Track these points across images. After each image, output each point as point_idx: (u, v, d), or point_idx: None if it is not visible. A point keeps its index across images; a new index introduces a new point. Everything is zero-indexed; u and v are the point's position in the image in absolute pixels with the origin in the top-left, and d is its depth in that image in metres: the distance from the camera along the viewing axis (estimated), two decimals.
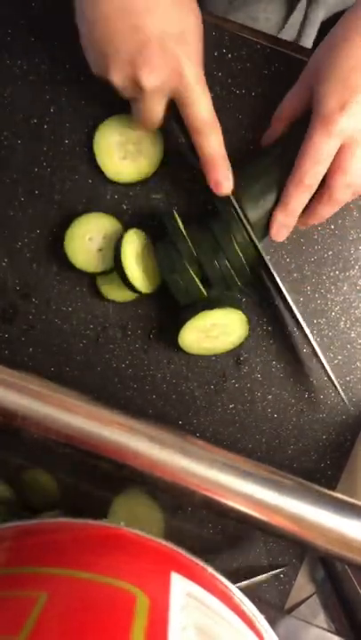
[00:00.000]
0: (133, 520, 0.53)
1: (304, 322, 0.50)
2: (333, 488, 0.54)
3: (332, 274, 0.53)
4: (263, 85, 0.51)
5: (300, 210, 0.45)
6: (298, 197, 0.44)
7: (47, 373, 0.54)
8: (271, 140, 0.48)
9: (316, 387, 0.54)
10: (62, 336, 0.54)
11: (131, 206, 0.53)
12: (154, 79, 0.42)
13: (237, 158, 0.49)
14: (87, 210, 0.52)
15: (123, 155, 0.51)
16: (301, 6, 0.68)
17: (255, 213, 0.46)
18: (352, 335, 0.54)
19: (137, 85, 0.42)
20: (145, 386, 0.54)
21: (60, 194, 0.53)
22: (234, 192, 0.46)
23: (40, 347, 0.54)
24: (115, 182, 0.52)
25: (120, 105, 0.51)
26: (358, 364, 0.54)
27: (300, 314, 0.51)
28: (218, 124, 0.45)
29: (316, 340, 0.53)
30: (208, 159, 0.45)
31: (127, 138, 0.51)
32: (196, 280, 0.47)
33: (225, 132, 0.48)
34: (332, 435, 0.54)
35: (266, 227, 0.47)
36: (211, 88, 0.51)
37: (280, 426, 0.54)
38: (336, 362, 0.54)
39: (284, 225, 0.46)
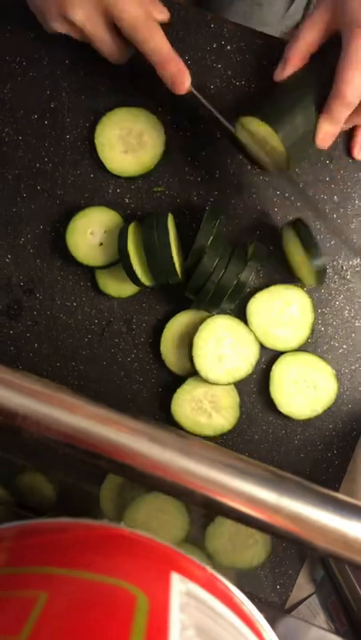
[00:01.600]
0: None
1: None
2: (341, 477, 0.54)
3: (335, 262, 0.53)
4: (263, 77, 0.51)
5: (344, 119, 0.44)
6: (340, 111, 0.43)
7: (53, 368, 0.54)
8: (286, 75, 0.45)
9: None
10: (67, 331, 0.54)
11: (133, 200, 0.53)
12: (80, 11, 0.42)
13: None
14: (90, 204, 0.52)
15: (124, 148, 0.51)
16: None
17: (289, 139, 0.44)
18: (356, 324, 0.54)
19: (73, 24, 0.43)
20: (151, 379, 0.54)
21: (63, 189, 0.53)
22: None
23: (45, 342, 0.54)
24: (116, 176, 0.52)
25: (121, 98, 0.51)
26: None
27: (315, 313, 0.52)
28: (155, 22, 0.44)
29: (320, 330, 0.53)
30: (157, 56, 0.44)
31: (128, 131, 0.51)
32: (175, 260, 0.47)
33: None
34: (339, 424, 0.54)
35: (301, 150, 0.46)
36: (210, 80, 0.51)
37: (285, 416, 0.53)
38: (341, 351, 0.54)
39: (329, 133, 0.45)
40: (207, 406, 0.52)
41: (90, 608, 0.21)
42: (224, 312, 0.51)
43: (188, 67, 0.45)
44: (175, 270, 0.47)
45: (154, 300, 0.53)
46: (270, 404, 0.53)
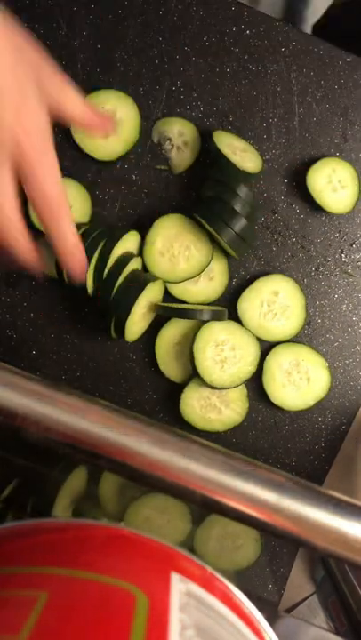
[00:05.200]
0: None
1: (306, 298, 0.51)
2: (326, 471, 0.54)
3: (337, 256, 0.53)
4: (279, 63, 0.52)
5: None
6: None
7: (47, 339, 0.54)
8: None
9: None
10: (65, 303, 0.54)
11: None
12: None
13: (249, 136, 0.50)
14: (97, 178, 0.52)
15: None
16: None
17: None
18: (353, 318, 0.54)
19: None
20: (146, 357, 0.54)
21: (69, 161, 0.52)
22: None
23: (42, 312, 0.54)
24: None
25: (136, 73, 0.51)
26: (358, 347, 0.54)
27: (304, 294, 0.52)
28: (66, 202, 0.39)
29: (317, 322, 0.54)
30: (64, 250, 0.40)
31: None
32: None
33: (239, 109, 0.48)
34: (328, 417, 0.54)
35: None
36: (227, 64, 0.52)
37: (276, 405, 0.53)
38: (336, 344, 0.54)
39: None
40: (215, 402, 0.52)
41: (90, 608, 0.21)
42: (217, 317, 0.51)
43: (207, 48, 0.47)
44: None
45: None
46: (261, 393, 0.53)
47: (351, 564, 0.32)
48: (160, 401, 0.54)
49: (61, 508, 0.49)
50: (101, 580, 0.24)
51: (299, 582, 0.55)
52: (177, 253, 0.50)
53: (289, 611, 0.54)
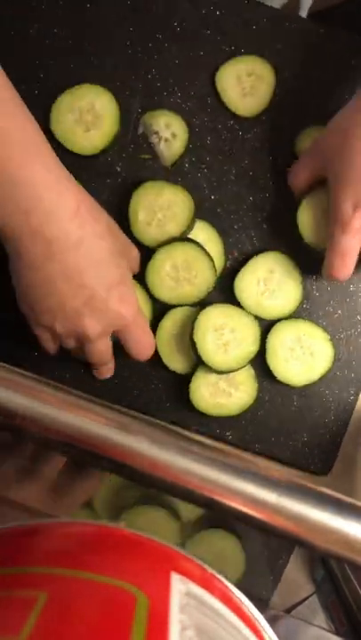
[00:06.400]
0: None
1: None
2: (339, 443, 0.54)
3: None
4: (252, 41, 0.53)
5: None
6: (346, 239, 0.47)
7: None
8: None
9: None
10: None
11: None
12: (98, 327, 0.45)
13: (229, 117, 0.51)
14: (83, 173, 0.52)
15: (84, 128, 0.51)
16: None
17: None
18: (351, 289, 0.54)
19: (82, 335, 0.45)
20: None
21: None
22: None
23: None
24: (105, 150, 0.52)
25: (112, 66, 0.51)
26: (359, 317, 0.54)
27: (300, 269, 0.52)
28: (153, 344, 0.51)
29: (315, 296, 0.54)
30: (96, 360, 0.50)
31: (81, 113, 0.51)
32: None
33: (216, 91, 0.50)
34: (336, 389, 0.54)
35: None
36: (200, 47, 0.54)
37: (282, 383, 0.53)
38: (337, 316, 0.54)
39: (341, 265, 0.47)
40: (224, 386, 0.52)
41: (90, 608, 0.21)
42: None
43: (178, 32, 0.50)
44: None
45: None
46: (266, 372, 0.53)
47: (351, 563, 0.32)
48: (166, 391, 0.54)
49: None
50: (101, 580, 0.24)
51: (299, 582, 0.55)
52: (162, 217, 0.51)
53: (289, 611, 0.54)
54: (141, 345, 0.49)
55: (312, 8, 0.82)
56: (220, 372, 0.51)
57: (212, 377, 0.52)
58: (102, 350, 0.48)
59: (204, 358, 0.50)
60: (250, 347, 0.51)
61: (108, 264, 0.44)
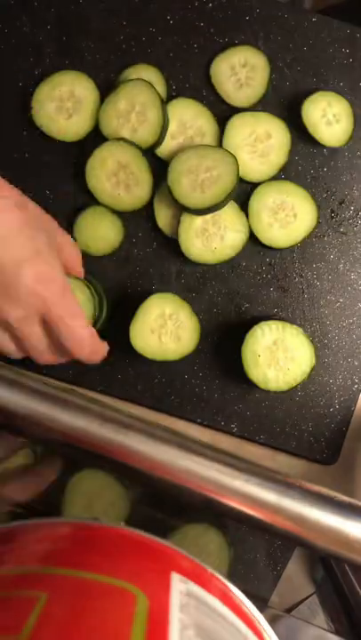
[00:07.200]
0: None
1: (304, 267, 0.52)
2: (344, 432, 0.54)
3: (328, 217, 0.53)
4: (245, 32, 0.53)
5: None
6: None
7: None
8: None
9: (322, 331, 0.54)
10: None
11: None
12: (19, 310, 0.41)
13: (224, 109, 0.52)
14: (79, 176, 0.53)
15: (66, 115, 0.51)
16: None
17: None
18: (352, 277, 0.54)
19: (5, 321, 0.42)
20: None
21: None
22: None
23: None
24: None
25: (104, 60, 0.51)
26: (360, 305, 0.54)
27: (299, 260, 0.52)
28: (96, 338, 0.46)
29: (316, 285, 0.54)
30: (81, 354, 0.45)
31: (62, 100, 0.51)
32: None
33: (211, 83, 0.50)
34: (339, 378, 0.54)
35: None
36: (193, 39, 0.54)
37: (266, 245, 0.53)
38: (338, 304, 0.54)
39: None
40: (213, 230, 0.51)
41: (90, 608, 0.21)
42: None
43: (171, 26, 0.51)
44: None
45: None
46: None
47: (351, 563, 0.32)
48: (169, 384, 0.54)
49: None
50: (102, 580, 0.24)
51: (299, 582, 0.55)
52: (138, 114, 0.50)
53: (289, 611, 0.54)
54: (73, 337, 0.43)
55: (312, 8, 0.82)
56: (199, 213, 0.49)
57: (198, 219, 0.50)
58: (31, 335, 0.43)
59: (181, 200, 0.48)
60: (228, 185, 0.49)
61: (16, 237, 0.40)
